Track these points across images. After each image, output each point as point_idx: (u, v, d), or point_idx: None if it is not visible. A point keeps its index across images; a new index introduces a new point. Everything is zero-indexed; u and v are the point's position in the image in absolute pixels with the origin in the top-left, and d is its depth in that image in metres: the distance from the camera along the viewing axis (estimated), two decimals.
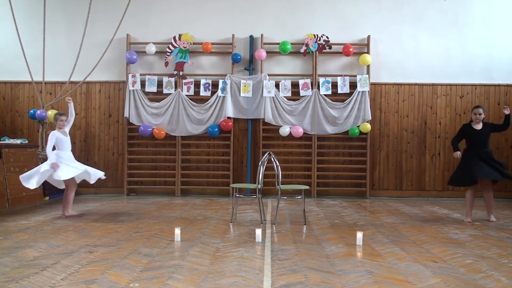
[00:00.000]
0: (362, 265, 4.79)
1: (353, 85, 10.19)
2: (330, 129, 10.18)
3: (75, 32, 9.96)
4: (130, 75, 10.24)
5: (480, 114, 7.40)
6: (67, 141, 7.62)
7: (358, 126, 10.13)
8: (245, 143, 10.44)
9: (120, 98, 10.50)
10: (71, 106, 7.91)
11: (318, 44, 10.16)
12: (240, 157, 10.47)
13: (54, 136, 7.48)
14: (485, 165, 7.22)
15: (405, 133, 10.43)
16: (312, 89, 10.19)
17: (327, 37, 10.14)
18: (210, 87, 10.27)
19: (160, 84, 10.33)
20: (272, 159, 7.03)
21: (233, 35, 10.31)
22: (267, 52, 10.21)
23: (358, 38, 10.36)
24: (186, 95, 10.27)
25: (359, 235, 5.71)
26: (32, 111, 9.63)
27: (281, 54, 10.28)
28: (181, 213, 8.04)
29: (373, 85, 10.34)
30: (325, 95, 10.18)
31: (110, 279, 4.26)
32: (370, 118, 10.16)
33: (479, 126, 7.42)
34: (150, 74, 10.32)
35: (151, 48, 10.18)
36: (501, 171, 7.21)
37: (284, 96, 10.23)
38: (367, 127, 10.09)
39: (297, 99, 10.24)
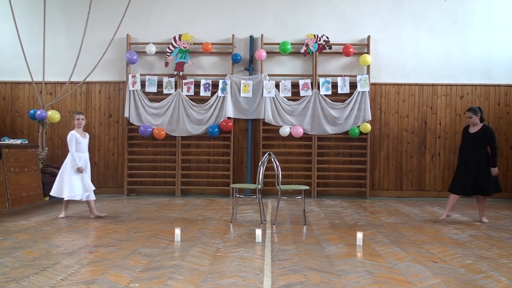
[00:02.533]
0: (362, 265, 4.79)
1: (353, 85, 10.19)
2: (330, 129, 10.18)
3: (75, 32, 9.97)
4: (130, 75, 10.24)
5: (469, 118, 7.37)
6: (84, 143, 7.48)
7: (358, 126, 10.13)
8: (245, 143, 10.44)
9: (120, 98, 10.50)
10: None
11: (318, 44, 10.16)
12: (240, 157, 10.47)
13: (73, 137, 7.35)
14: (471, 180, 7.18)
15: (405, 133, 10.43)
16: (312, 89, 10.19)
17: (327, 37, 10.14)
18: (210, 87, 10.27)
19: (160, 84, 10.33)
20: (272, 159, 7.03)
21: (233, 35, 10.30)
22: (267, 52, 10.21)
23: (358, 38, 10.36)
24: (186, 95, 10.26)
25: (359, 235, 5.70)
26: (32, 111, 9.63)
27: (281, 54, 10.28)
28: (181, 213, 8.03)
29: (373, 85, 10.34)
30: (325, 95, 10.18)
31: (110, 279, 4.26)
32: (370, 118, 10.16)
33: (473, 129, 7.39)
34: (150, 74, 10.32)
35: (151, 48, 10.18)
36: (483, 186, 7.16)
37: (284, 96, 10.23)
38: (367, 127, 10.09)
39: (297, 99, 10.24)
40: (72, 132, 7.40)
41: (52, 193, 7.42)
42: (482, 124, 7.38)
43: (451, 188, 7.58)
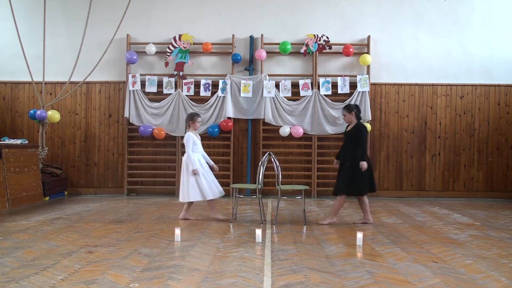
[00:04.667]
0: (362, 265, 4.79)
1: (353, 85, 10.19)
2: (330, 129, 10.17)
3: (75, 32, 9.97)
4: (130, 75, 10.23)
5: (344, 116, 7.16)
6: (199, 143, 7.31)
7: None
8: (245, 143, 10.43)
9: (120, 98, 10.49)
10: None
11: (318, 44, 10.16)
12: (240, 157, 10.46)
13: (191, 138, 7.16)
14: (347, 179, 6.87)
15: (405, 133, 10.43)
16: (312, 89, 10.19)
17: (327, 37, 10.14)
18: (210, 87, 10.27)
19: (160, 84, 10.33)
20: (272, 159, 7.04)
21: (233, 35, 10.30)
22: (267, 52, 10.21)
23: (358, 38, 10.35)
24: (186, 95, 10.26)
25: (359, 235, 5.70)
26: (32, 111, 9.64)
27: (281, 54, 10.28)
28: None
29: (373, 85, 10.34)
30: (325, 95, 10.18)
31: (110, 279, 4.26)
32: (370, 118, 10.16)
33: (349, 128, 7.18)
34: (150, 74, 10.32)
35: (151, 48, 10.17)
36: (356, 185, 6.83)
37: (284, 96, 10.23)
38: (367, 127, 10.07)
39: (297, 99, 10.24)
40: (189, 133, 7.21)
41: (181, 199, 7.22)
42: (357, 121, 7.10)
43: (334, 190, 7.16)
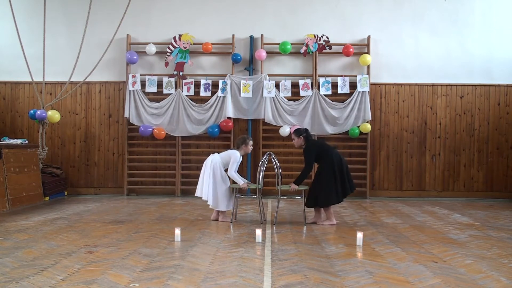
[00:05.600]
0: (362, 265, 4.79)
1: (353, 85, 10.19)
2: (330, 129, 10.17)
3: (75, 32, 9.98)
4: (130, 75, 10.24)
5: (293, 139, 7.21)
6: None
7: (358, 126, 10.13)
8: None
9: (120, 98, 10.50)
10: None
11: (318, 44, 10.16)
12: None
13: (239, 159, 7.23)
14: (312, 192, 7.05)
15: (405, 133, 10.43)
16: (312, 89, 10.19)
17: (327, 37, 10.14)
18: (210, 87, 10.27)
19: (160, 84, 10.33)
20: (272, 159, 7.04)
21: (233, 35, 10.30)
22: (267, 52, 10.21)
23: (358, 38, 10.35)
24: (186, 95, 10.26)
25: (359, 235, 5.70)
26: (32, 112, 9.64)
27: (281, 54, 10.28)
28: (181, 213, 8.04)
29: (373, 85, 10.34)
30: (325, 95, 10.18)
31: (110, 279, 4.26)
32: (370, 118, 10.16)
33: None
34: (150, 74, 10.32)
35: (151, 48, 10.17)
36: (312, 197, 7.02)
37: (284, 96, 10.23)
38: (367, 127, 10.09)
39: (297, 99, 10.24)
40: (238, 155, 7.24)
41: (223, 208, 7.20)
42: (305, 144, 7.10)
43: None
